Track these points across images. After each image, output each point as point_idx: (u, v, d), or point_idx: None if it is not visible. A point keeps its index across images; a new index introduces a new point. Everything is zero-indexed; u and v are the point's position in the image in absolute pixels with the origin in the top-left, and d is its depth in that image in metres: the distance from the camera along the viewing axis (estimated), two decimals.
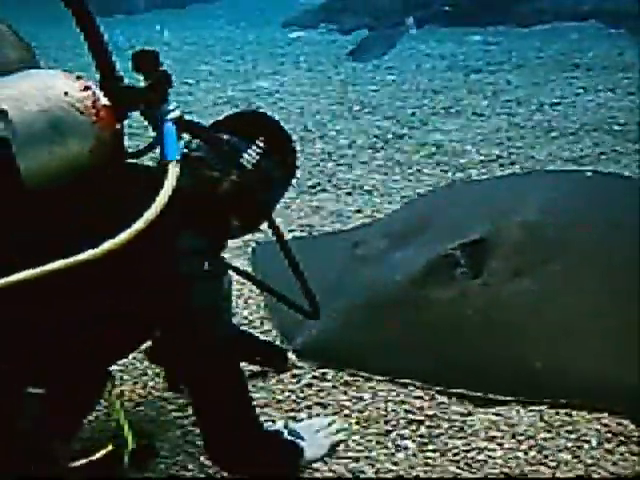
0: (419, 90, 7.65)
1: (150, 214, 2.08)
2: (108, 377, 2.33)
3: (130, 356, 2.74)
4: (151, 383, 2.98)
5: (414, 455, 2.61)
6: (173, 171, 2.16)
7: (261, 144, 2.48)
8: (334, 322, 3.12)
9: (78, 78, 2.20)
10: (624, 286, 3.15)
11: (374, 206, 4.84)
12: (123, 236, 2.05)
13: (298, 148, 5.71)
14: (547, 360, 2.95)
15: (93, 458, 2.24)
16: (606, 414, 2.76)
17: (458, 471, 2.53)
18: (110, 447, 2.29)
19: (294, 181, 4.90)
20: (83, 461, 2.23)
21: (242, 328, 3.26)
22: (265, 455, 2.40)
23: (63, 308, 2.15)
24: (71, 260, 2.03)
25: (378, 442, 2.67)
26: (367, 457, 2.60)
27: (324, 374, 3.02)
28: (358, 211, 4.79)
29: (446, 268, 3.16)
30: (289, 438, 2.52)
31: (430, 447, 2.64)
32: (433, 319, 3.09)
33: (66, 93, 2.13)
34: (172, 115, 2.25)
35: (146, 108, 2.24)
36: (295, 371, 3.04)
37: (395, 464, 2.56)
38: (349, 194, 5.12)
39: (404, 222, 3.61)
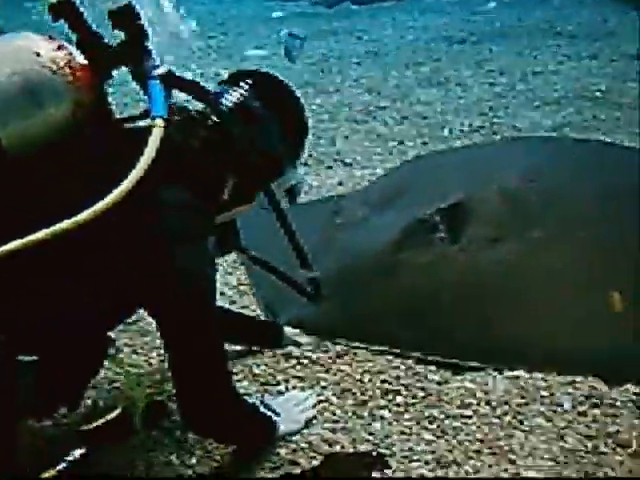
0: (402, 62, 7.63)
1: (136, 173, 2.04)
2: (108, 342, 2.32)
3: None
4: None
5: (390, 424, 2.63)
6: (158, 128, 2.12)
7: (245, 86, 2.40)
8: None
9: (51, 39, 2.18)
10: (603, 253, 3.17)
11: (355, 179, 4.84)
12: (111, 198, 2.00)
13: None
14: (523, 327, 2.97)
15: (104, 420, 2.27)
16: (580, 377, 2.78)
17: (433, 438, 2.55)
18: (120, 409, 2.31)
19: None
20: (94, 424, 2.26)
21: (230, 308, 3.26)
22: (239, 424, 2.39)
23: (54, 273, 2.12)
24: (56, 227, 1.97)
25: (354, 413, 2.69)
26: (343, 428, 2.62)
27: (302, 346, 3.03)
28: (339, 184, 4.80)
29: (423, 233, 3.17)
30: (264, 412, 2.53)
31: (406, 416, 2.66)
32: (410, 285, 3.10)
33: (37, 54, 2.11)
34: (158, 71, 2.22)
35: (126, 65, 2.22)
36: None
37: (371, 434, 2.58)
38: (330, 167, 5.12)
39: (383, 190, 3.62)
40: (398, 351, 2.97)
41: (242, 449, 2.48)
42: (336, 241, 3.32)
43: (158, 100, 2.20)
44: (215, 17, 10.01)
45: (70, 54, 2.15)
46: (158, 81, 2.22)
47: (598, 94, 6.47)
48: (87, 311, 2.16)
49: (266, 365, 2.94)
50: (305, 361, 2.96)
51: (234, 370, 2.88)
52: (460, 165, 3.68)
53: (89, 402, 2.51)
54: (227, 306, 3.21)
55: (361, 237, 3.27)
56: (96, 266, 2.14)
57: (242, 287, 3.56)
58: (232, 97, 2.39)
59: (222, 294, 3.49)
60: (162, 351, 2.79)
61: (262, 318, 3.24)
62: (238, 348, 3.01)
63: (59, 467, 2.20)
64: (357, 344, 3.02)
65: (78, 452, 2.16)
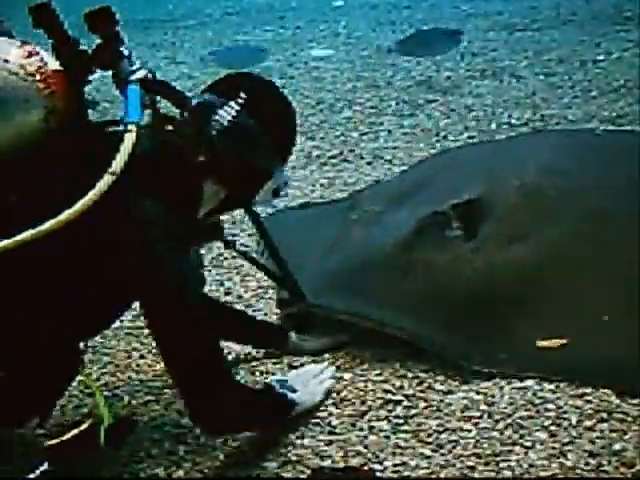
0: (457, 53, 7.45)
1: (103, 183, 2.04)
2: (79, 354, 2.31)
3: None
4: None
5: (387, 437, 2.55)
6: (130, 135, 2.11)
7: (240, 101, 2.33)
8: (324, 285, 3.06)
9: (24, 44, 2.17)
10: (627, 255, 3.02)
11: (392, 175, 4.74)
12: (78, 206, 2.01)
13: (323, 118, 5.83)
14: (535, 332, 2.84)
15: (69, 436, 2.24)
16: (590, 389, 2.65)
17: (429, 453, 2.47)
18: (86, 424, 2.28)
19: (314, 151, 5.01)
20: (59, 440, 2.24)
21: (239, 308, 3.23)
22: (247, 409, 2.39)
23: (21, 283, 2.13)
24: (19, 237, 1.98)
25: (352, 424, 2.62)
26: (338, 440, 2.55)
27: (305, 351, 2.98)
28: (376, 181, 4.70)
29: (437, 229, 3.06)
30: (279, 391, 2.52)
31: (404, 428, 2.58)
32: (420, 282, 2.99)
33: (6, 61, 2.10)
34: (136, 76, 2.20)
35: (103, 69, 2.21)
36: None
37: (366, 447, 2.51)
38: (369, 164, 5.03)
39: (401, 185, 3.53)
40: (406, 337, 2.86)
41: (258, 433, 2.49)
42: (349, 236, 3.25)
43: (132, 105, 2.17)
44: (274, 9, 9.96)
45: (41, 60, 2.14)
46: (136, 86, 2.20)
47: None
48: (56, 321, 2.16)
49: (267, 373, 2.89)
50: None
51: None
52: (483, 160, 3.55)
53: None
54: (236, 307, 3.18)
55: (374, 232, 3.19)
56: (63, 276, 2.13)
57: (259, 290, 3.51)
58: (225, 115, 2.31)
59: (239, 297, 3.47)
60: None
61: (268, 320, 3.19)
62: (240, 353, 2.98)
63: None
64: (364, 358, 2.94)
65: (43, 468, 2.15)
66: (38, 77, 2.12)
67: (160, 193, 2.21)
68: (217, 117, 2.32)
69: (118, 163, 2.07)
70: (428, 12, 9.21)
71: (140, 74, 2.22)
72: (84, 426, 2.23)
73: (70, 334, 2.24)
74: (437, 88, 6.47)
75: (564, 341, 2.80)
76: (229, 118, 2.32)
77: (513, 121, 5.62)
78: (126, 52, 2.22)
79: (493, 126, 5.56)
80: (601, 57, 7.08)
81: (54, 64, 2.17)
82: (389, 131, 5.57)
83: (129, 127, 2.14)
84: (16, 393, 2.18)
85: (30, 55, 2.14)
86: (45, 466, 2.16)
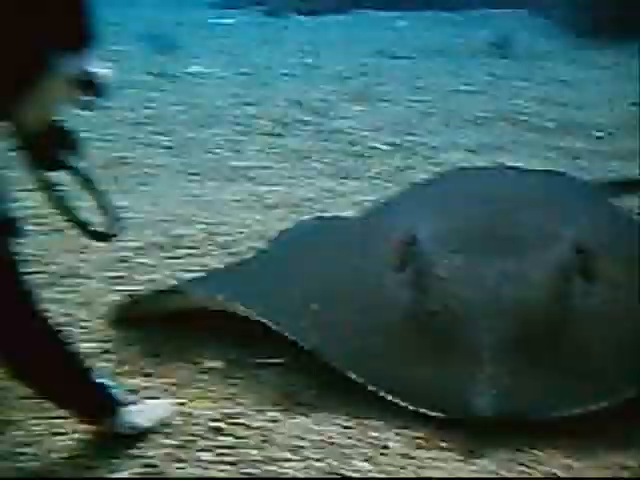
0: (332, 75, 7.55)
1: None
2: None
3: None
4: None
5: None
6: None
7: None
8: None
9: None
10: None
11: (253, 194, 4.73)
12: None
13: (192, 135, 5.76)
14: None
15: None
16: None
17: None
18: None
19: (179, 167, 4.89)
20: None
21: None
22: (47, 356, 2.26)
23: None
24: None
25: None
26: None
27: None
28: (236, 200, 4.67)
29: (568, 275, 2.80)
30: (106, 383, 2.37)
31: None
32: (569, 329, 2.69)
33: None
34: None
35: None
36: None
37: None
38: (232, 180, 5.01)
39: (456, 228, 3.02)
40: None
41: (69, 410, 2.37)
42: (458, 300, 2.77)
43: None
44: (153, 23, 9.85)
45: None
46: None
47: (522, 117, 6.43)
48: None
49: None
50: None
51: None
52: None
53: None
54: None
55: (494, 292, 2.76)
56: None
57: None
58: None
59: None
60: None
61: None
62: None
63: None
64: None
65: None
66: None
67: None
68: None
69: None
70: (308, 34, 9.30)
71: None
72: None
73: None
74: (308, 109, 6.52)
75: None
76: None
77: (378, 145, 5.71)
78: None
79: (357, 148, 5.63)
80: (471, 88, 7.31)
81: None
82: (254, 150, 5.58)
83: None
84: None
85: None
86: None
